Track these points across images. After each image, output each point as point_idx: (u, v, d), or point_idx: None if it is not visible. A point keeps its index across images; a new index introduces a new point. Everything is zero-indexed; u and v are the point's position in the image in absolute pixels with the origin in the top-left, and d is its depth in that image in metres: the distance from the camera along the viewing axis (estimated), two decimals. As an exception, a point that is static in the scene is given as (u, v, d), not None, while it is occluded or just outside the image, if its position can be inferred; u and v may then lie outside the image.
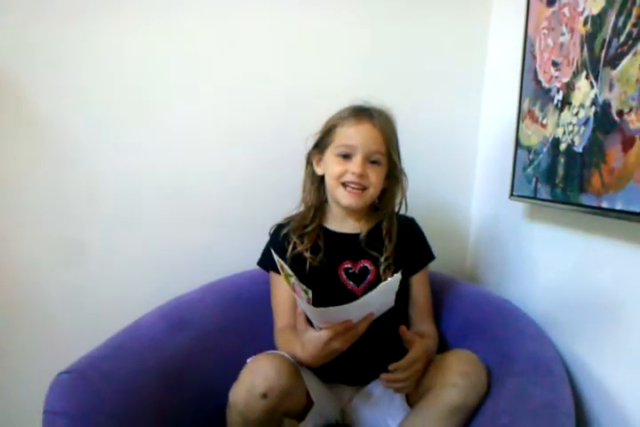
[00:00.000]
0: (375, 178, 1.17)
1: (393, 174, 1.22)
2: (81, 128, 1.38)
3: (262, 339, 1.22)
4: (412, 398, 1.07)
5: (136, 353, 1.11)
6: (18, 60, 1.33)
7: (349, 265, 1.19)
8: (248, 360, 1.03)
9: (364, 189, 1.16)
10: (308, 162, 1.26)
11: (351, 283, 1.17)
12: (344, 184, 1.16)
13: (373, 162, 1.16)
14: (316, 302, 0.97)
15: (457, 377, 0.99)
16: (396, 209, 1.25)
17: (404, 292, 1.21)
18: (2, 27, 1.31)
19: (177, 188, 1.44)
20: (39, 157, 1.37)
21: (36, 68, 1.34)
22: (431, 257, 1.26)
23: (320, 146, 1.22)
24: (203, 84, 1.42)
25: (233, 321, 1.30)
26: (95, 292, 1.42)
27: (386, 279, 1.04)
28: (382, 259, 1.17)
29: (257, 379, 0.96)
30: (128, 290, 1.42)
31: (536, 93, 1.16)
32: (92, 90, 1.37)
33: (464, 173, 1.59)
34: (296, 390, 1.01)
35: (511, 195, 1.27)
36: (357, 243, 1.20)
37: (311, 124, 1.22)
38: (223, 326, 1.27)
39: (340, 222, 1.24)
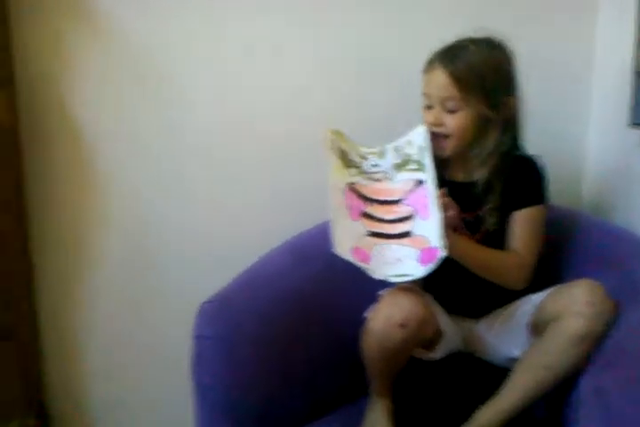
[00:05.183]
0: (454, 124, 1.12)
1: (483, 118, 1.14)
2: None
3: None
4: (537, 328, 1.09)
5: (268, 283, 1.20)
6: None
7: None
8: (380, 292, 1.09)
9: (446, 137, 1.13)
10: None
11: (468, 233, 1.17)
12: (432, 134, 1.13)
13: (448, 106, 1.12)
14: None
15: (582, 306, 0.99)
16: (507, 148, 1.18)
17: None
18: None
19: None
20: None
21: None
22: (539, 200, 1.17)
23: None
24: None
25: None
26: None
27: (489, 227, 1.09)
28: (487, 206, 1.16)
29: (395, 309, 1.01)
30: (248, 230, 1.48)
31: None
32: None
33: (579, 101, 1.51)
34: (430, 320, 1.06)
35: (632, 124, 1.21)
36: (467, 191, 1.17)
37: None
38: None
39: (453, 171, 1.21)
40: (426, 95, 1.14)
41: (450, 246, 0.99)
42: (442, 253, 0.98)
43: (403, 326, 1.00)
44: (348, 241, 1.02)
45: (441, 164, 1.14)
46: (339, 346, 1.20)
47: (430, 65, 1.14)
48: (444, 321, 1.14)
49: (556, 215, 1.29)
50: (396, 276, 1.01)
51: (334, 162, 1.10)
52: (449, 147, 1.14)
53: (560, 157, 1.52)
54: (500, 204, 1.15)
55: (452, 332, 1.16)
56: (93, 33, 1.34)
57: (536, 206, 1.17)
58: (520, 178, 1.17)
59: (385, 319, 1.01)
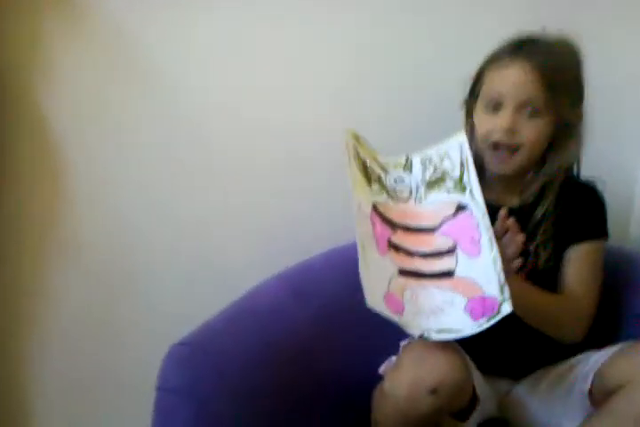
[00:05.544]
0: (530, 133, 0.92)
1: (563, 127, 0.95)
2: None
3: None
4: (596, 395, 0.85)
5: (259, 324, 0.96)
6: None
7: None
8: (403, 343, 0.85)
9: (515, 149, 0.93)
10: (468, 112, 1.02)
11: None
12: (495, 145, 0.93)
13: (528, 110, 0.92)
14: None
15: None
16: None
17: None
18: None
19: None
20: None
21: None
22: (601, 233, 0.98)
23: (473, 94, 0.99)
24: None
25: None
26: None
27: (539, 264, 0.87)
28: (540, 238, 0.95)
29: (424, 370, 0.77)
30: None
31: None
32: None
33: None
34: (467, 385, 0.82)
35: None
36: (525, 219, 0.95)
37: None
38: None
39: (487, 190, 0.98)
40: (493, 96, 0.93)
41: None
42: (506, 308, 0.75)
43: (434, 392, 0.76)
44: (379, 286, 0.78)
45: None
46: (343, 406, 0.96)
47: (506, 58, 0.94)
48: (479, 383, 0.89)
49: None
50: (439, 332, 0.77)
51: (358, 177, 0.87)
52: (516, 162, 0.94)
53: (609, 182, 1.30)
54: (555, 236, 0.94)
55: (486, 396, 0.91)
56: (67, 20, 1.16)
57: (598, 241, 0.97)
58: (581, 206, 0.97)
59: (410, 383, 0.77)
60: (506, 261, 0.79)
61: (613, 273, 1.03)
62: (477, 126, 0.97)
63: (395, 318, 0.76)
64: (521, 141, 0.92)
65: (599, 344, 0.94)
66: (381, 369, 0.89)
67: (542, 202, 0.96)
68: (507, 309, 0.75)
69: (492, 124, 0.93)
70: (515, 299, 0.77)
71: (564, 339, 0.93)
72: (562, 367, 0.94)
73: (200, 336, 0.90)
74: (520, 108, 0.92)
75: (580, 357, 0.93)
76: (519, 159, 0.94)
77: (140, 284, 1.24)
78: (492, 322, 0.75)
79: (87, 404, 1.26)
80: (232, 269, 1.21)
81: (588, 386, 0.85)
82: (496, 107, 0.93)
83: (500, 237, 0.81)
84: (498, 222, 0.82)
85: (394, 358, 0.89)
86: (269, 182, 1.23)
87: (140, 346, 1.20)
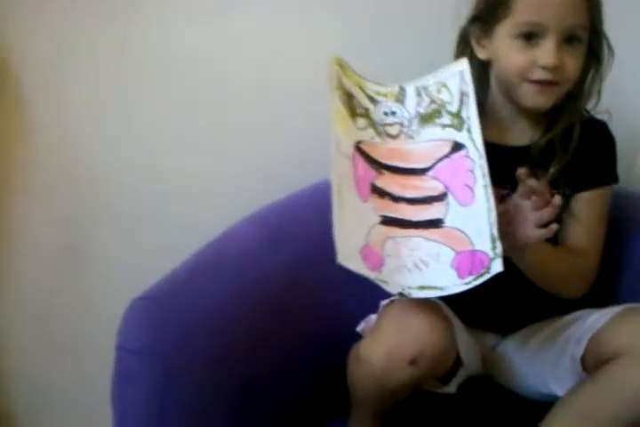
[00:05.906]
0: (573, 67, 0.81)
1: (593, 54, 0.84)
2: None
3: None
4: (590, 361, 0.78)
5: (229, 273, 0.88)
6: None
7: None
8: (383, 303, 0.78)
9: (555, 83, 0.81)
10: (463, 41, 0.88)
11: None
12: (530, 79, 0.81)
13: (571, 40, 0.80)
14: None
15: None
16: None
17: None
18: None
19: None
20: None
21: None
22: (612, 179, 0.89)
23: (487, 19, 0.84)
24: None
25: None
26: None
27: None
28: (549, 173, 0.85)
29: (404, 339, 0.70)
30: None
31: None
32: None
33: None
34: (450, 351, 0.76)
35: None
36: (527, 159, 0.85)
37: None
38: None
39: (501, 130, 0.89)
40: (533, 23, 0.79)
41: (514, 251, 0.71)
42: (496, 266, 0.67)
43: (413, 362, 0.70)
44: (356, 238, 0.70)
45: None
46: (322, 364, 0.91)
47: None
48: (464, 342, 0.83)
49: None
50: (420, 288, 0.69)
51: (340, 110, 0.76)
52: (559, 94, 0.83)
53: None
54: (564, 181, 0.85)
55: (471, 355, 0.86)
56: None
57: (608, 187, 0.89)
58: (592, 148, 0.87)
59: (388, 353, 0.70)
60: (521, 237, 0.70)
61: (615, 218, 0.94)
62: (505, 58, 0.83)
63: (371, 274, 0.68)
64: (563, 78, 0.81)
65: (596, 298, 0.88)
66: (359, 328, 0.83)
67: (562, 140, 0.85)
68: (497, 267, 0.67)
69: (529, 59, 0.80)
70: (527, 264, 0.72)
71: (565, 295, 0.86)
72: (554, 325, 0.87)
73: (164, 289, 0.82)
74: (565, 37, 0.79)
75: (576, 314, 0.86)
76: (559, 91, 0.83)
77: (103, 232, 1.14)
78: (480, 281, 0.68)
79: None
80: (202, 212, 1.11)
81: (581, 351, 0.79)
82: (530, 35, 0.80)
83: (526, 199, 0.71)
84: (520, 187, 0.72)
85: (373, 316, 0.82)
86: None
87: (104, 300, 1.11)
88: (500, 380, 0.91)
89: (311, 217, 0.95)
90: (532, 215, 0.70)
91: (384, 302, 0.80)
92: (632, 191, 1.01)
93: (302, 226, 0.97)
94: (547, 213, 0.70)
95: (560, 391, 0.81)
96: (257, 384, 0.84)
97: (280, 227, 0.96)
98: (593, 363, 0.77)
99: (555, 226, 0.71)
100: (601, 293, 0.90)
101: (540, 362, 0.86)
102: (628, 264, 0.94)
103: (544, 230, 0.70)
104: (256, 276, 0.89)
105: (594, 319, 0.81)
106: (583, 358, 0.79)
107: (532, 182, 0.71)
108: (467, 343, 0.85)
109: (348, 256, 0.67)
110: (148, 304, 0.80)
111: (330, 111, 0.75)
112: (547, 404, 0.81)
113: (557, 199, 0.70)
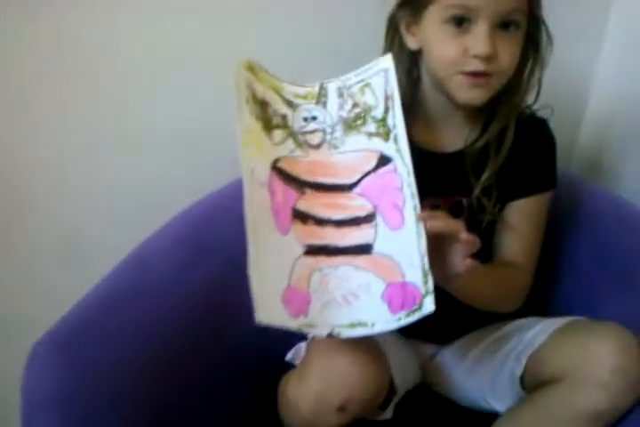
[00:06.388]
0: (509, 56, 0.71)
1: (532, 43, 0.76)
2: None
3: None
4: (528, 379, 0.76)
5: (149, 292, 0.79)
6: None
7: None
8: (311, 335, 0.71)
9: (491, 74, 0.71)
10: (392, 29, 0.78)
11: None
12: (463, 71, 0.71)
13: (507, 25, 0.70)
14: None
15: (608, 375, 0.66)
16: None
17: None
18: None
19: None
20: None
21: None
22: (551, 184, 0.83)
23: (415, 2, 0.73)
24: None
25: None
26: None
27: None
28: (482, 180, 0.78)
29: (331, 386, 0.65)
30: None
31: None
32: None
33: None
34: (382, 392, 0.71)
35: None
36: (459, 166, 0.78)
37: None
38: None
39: (433, 131, 0.80)
40: (462, 6, 0.69)
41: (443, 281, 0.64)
42: (427, 306, 0.61)
43: (341, 409, 0.65)
44: (275, 284, 0.63)
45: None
46: (248, 387, 0.85)
47: None
48: (398, 363, 0.78)
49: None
50: (350, 326, 0.63)
51: (252, 129, 0.67)
52: (494, 87, 0.74)
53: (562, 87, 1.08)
54: (499, 185, 0.78)
55: (408, 373, 0.82)
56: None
57: (547, 193, 0.82)
58: (531, 149, 0.80)
59: (316, 399, 0.65)
60: (450, 267, 0.63)
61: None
62: (436, 47, 0.73)
63: (294, 323, 0.62)
64: (497, 69, 0.72)
65: (536, 302, 0.84)
66: (289, 357, 0.77)
67: (497, 141, 0.78)
68: (428, 307, 0.61)
69: (460, 47, 0.70)
70: (458, 291, 0.67)
71: (501, 312, 0.82)
72: (495, 335, 0.84)
73: (67, 328, 0.73)
74: (500, 22, 0.70)
75: (516, 323, 0.83)
76: (495, 84, 0.74)
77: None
78: (412, 319, 0.62)
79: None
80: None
81: (520, 370, 0.76)
82: (463, 20, 0.70)
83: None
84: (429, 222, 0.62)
85: (302, 345, 0.76)
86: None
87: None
88: (439, 389, 0.89)
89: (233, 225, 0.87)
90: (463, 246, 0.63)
91: (310, 336, 0.73)
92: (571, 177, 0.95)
93: (227, 232, 0.88)
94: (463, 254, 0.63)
95: (499, 407, 0.79)
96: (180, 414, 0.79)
97: (202, 235, 0.87)
98: (532, 383, 0.75)
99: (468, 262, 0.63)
100: (541, 295, 0.86)
101: (478, 375, 0.83)
102: (568, 265, 0.90)
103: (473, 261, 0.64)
104: (177, 291, 0.81)
105: (534, 333, 0.78)
106: (522, 377, 0.76)
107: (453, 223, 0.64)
108: (402, 365, 0.81)
109: (267, 314, 0.60)
110: (49, 350, 0.71)
111: (238, 135, 0.65)
112: (485, 415, 0.80)
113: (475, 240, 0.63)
